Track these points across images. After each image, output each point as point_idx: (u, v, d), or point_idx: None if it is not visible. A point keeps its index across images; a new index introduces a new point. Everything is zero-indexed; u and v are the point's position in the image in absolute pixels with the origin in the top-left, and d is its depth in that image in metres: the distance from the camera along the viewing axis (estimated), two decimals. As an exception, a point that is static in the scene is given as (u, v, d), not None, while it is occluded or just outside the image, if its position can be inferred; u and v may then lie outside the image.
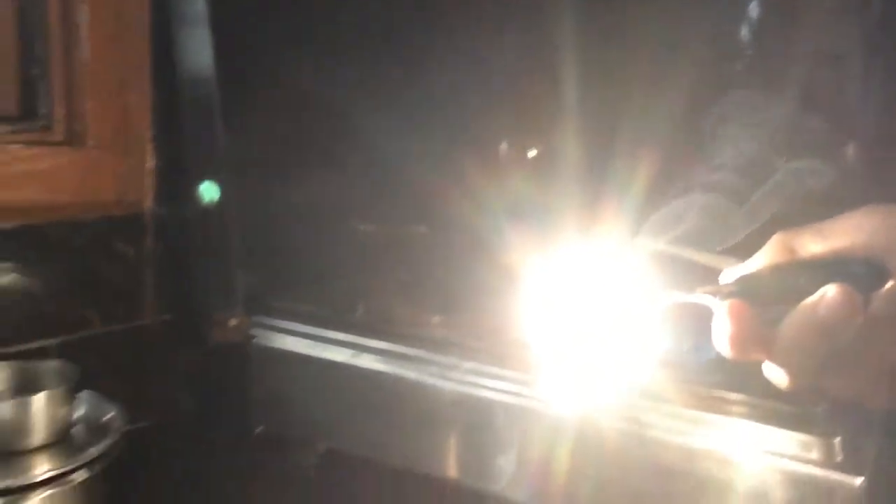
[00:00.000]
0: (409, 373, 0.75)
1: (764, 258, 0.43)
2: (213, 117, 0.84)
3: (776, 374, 0.40)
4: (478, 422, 0.70)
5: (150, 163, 0.89)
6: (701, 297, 0.42)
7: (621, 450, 0.63)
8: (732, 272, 0.43)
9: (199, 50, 0.84)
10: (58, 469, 0.57)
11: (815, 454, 0.57)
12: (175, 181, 0.89)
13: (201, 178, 0.86)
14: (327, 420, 0.80)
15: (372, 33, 0.93)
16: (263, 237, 0.88)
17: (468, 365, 0.71)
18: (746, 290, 0.41)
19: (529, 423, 0.67)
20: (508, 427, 0.68)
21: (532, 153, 1.00)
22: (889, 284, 0.38)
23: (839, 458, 0.57)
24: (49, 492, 0.56)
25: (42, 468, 0.57)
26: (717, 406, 0.62)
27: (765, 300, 0.40)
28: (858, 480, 0.56)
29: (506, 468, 0.69)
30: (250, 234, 0.87)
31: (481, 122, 1.00)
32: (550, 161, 0.97)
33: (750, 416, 0.60)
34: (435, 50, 0.99)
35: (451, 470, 0.72)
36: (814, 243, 0.41)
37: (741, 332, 0.39)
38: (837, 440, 0.57)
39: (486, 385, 0.70)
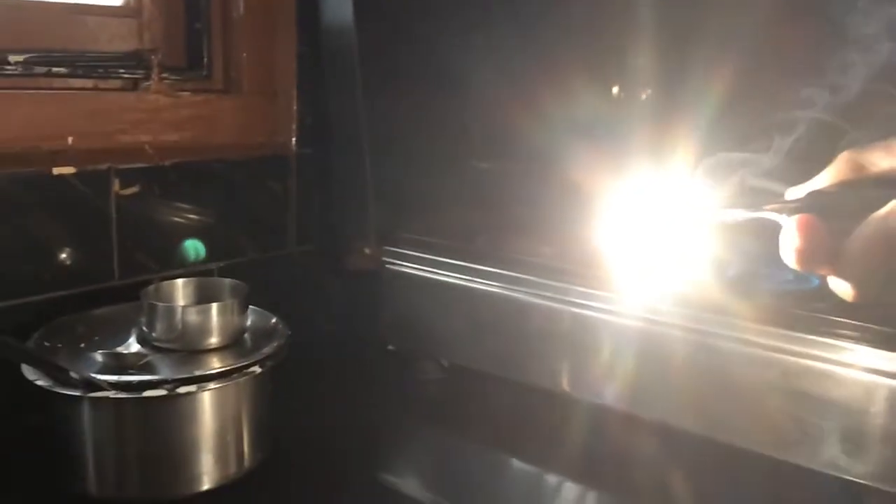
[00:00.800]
0: (522, 296, 0.82)
1: (832, 175, 0.43)
2: (352, 68, 0.93)
3: (843, 287, 0.40)
4: (584, 340, 0.77)
5: (295, 108, 1.00)
6: (768, 213, 0.42)
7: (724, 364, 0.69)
8: (800, 189, 0.44)
9: (340, 6, 0.92)
10: (234, 364, 0.68)
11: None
12: (317, 125, 0.99)
13: (341, 123, 0.96)
14: (450, 338, 0.89)
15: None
16: (394, 176, 0.96)
17: (578, 289, 0.78)
18: (815, 205, 0.41)
19: (627, 340, 0.74)
20: (608, 343, 0.76)
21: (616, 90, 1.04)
22: None
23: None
24: (227, 384, 0.67)
25: (222, 363, 0.68)
26: (822, 329, 0.66)
27: (833, 214, 0.40)
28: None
29: (609, 381, 0.76)
30: (383, 173, 0.96)
31: (576, 66, 1.04)
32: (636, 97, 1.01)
33: (853, 339, 0.64)
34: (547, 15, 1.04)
35: (563, 384, 0.80)
36: (883, 160, 0.41)
37: (809, 245, 0.39)
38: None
39: (592, 306, 0.77)
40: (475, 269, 0.87)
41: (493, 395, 0.87)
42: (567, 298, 0.79)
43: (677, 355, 0.71)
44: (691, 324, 0.70)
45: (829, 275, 0.40)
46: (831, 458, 0.65)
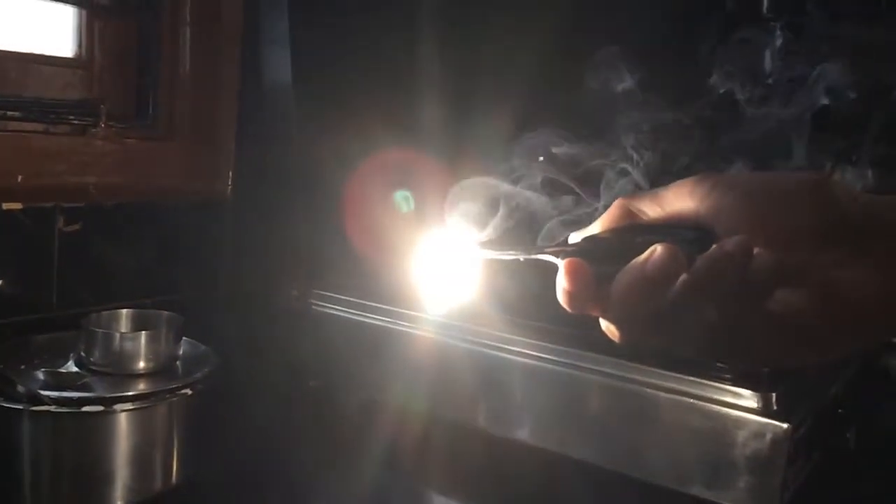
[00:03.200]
0: (437, 336, 0.91)
1: (606, 221, 0.45)
2: (288, 125, 1.02)
3: (610, 329, 0.42)
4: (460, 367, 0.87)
5: (233, 157, 1.08)
6: (547, 255, 0.43)
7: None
8: (578, 234, 0.45)
9: (281, 66, 1.02)
10: (167, 386, 0.74)
11: (756, 404, 0.73)
12: (253, 174, 1.07)
13: (276, 173, 1.04)
14: (367, 374, 0.96)
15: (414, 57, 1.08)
16: (324, 222, 1.04)
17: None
18: (586, 249, 0.43)
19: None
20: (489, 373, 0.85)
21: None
22: (712, 247, 0.39)
23: (774, 408, 0.72)
24: (160, 403, 0.73)
25: (154, 386, 0.75)
26: (684, 367, 0.77)
27: (603, 259, 0.42)
28: (786, 426, 0.71)
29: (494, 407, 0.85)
30: (313, 218, 1.04)
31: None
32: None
33: (709, 377, 0.75)
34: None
35: (477, 418, 0.88)
36: (651, 208, 0.43)
37: (576, 288, 0.41)
38: (774, 395, 0.73)
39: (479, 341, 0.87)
40: (392, 311, 0.95)
41: (409, 429, 0.94)
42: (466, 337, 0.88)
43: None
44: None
45: (597, 316, 0.42)
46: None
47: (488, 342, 0.87)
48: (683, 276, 0.39)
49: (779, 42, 0.98)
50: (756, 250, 0.39)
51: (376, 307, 0.97)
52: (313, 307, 1.02)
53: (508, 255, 0.46)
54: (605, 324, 0.42)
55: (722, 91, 0.80)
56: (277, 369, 1.05)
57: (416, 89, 0.97)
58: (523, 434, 0.87)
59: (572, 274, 0.41)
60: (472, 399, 0.90)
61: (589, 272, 0.41)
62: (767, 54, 0.98)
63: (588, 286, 0.41)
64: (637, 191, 0.47)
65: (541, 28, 1.05)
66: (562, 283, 0.41)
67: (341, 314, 1.00)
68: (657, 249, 0.39)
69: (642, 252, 0.40)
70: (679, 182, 0.43)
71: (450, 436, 0.90)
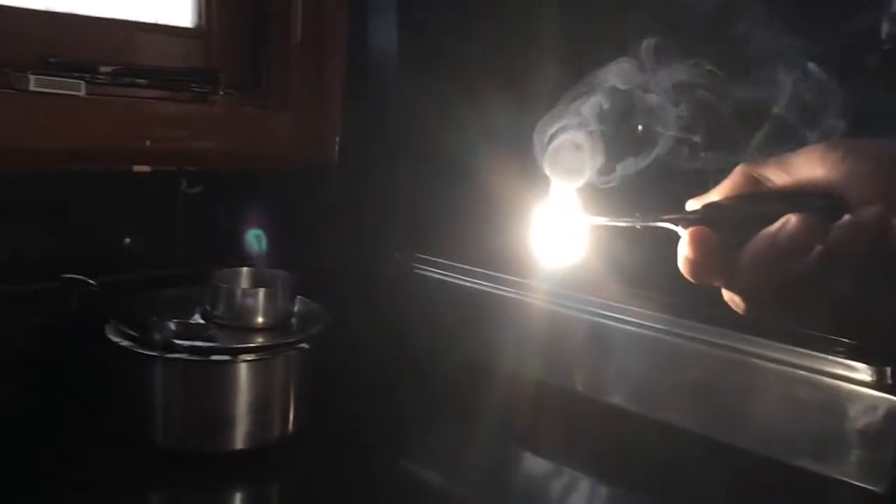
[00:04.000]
0: (533, 300, 0.93)
1: (728, 188, 0.43)
2: (394, 90, 1.04)
3: (735, 300, 0.41)
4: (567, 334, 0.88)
5: (341, 124, 1.11)
6: (666, 223, 0.42)
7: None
8: (696, 201, 0.43)
9: (386, 34, 1.04)
10: (285, 339, 0.78)
11: (869, 378, 0.72)
12: (361, 140, 1.10)
13: (381, 140, 1.07)
14: (468, 338, 0.99)
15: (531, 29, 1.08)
16: (428, 188, 1.06)
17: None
18: (710, 217, 0.41)
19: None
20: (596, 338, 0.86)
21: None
22: (846, 217, 0.37)
23: (889, 382, 0.71)
24: (280, 355, 0.77)
25: (272, 339, 0.79)
26: (797, 340, 0.76)
27: (728, 227, 0.40)
28: (901, 399, 0.70)
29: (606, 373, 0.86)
30: (416, 189, 1.06)
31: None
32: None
33: (822, 349, 0.74)
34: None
35: (575, 382, 0.90)
36: (777, 175, 0.41)
37: (702, 258, 0.40)
38: (889, 369, 0.71)
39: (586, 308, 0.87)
40: (494, 276, 0.97)
41: (508, 391, 0.96)
42: (574, 305, 0.89)
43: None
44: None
45: (722, 287, 0.41)
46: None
47: (594, 309, 0.88)
48: (817, 248, 0.37)
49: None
50: (894, 221, 0.37)
51: (478, 272, 1.00)
52: (416, 271, 1.05)
53: (624, 222, 0.44)
54: (728, 294, 0.41)
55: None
56: (382, 330, 1.08)
57: (526, 50, 0.97)
58: (616, 398, 0.88)
59: (697, 242, 0.40)
60: (575, 365, 0.91)
61: (715, 240, 0.40)
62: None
63: (713, 255, 0.40)
64: (761, 156, 0.43)
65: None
66: (685, 252, 0.40)
67: (444, 278, 1.03)
68: (790, 219, 0.38)
69: (770, 221, 0.38)
70: (807, 148, 0.41)
71: (551, 400, 0.92)
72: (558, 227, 0.47)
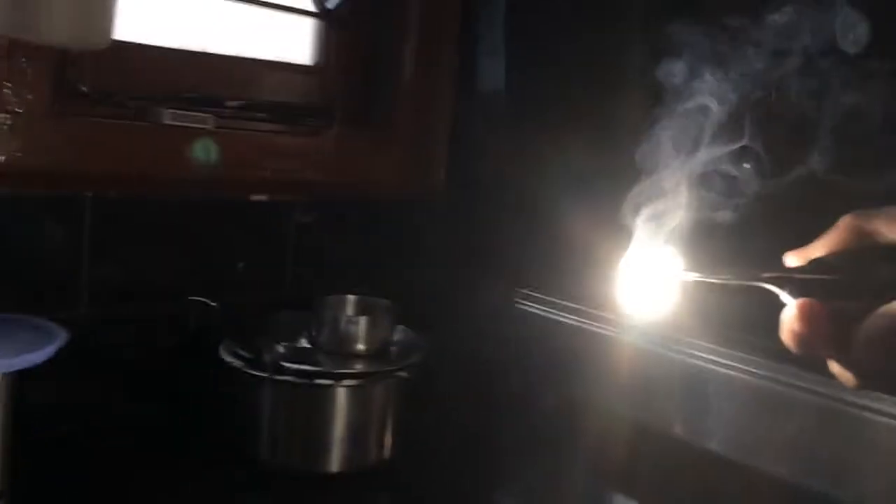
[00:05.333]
0: (627, 339, 0.92)
1: (832, 241, 0.39)
2: (500, 131, 1.07)
3: (846, 376, 0.37)
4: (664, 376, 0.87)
5: (447, 160, 1.14)
6: (768, 285, 0.39)
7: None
8: (796, 255, 0.40)
9: (495, 75, 1.07)
10: (386, 367, 0.81)
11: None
12: (466, 177, 1.13)
13: (486, 177, 1.09)
14: (564, 373, 0.99)
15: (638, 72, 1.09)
16: (528, 230, 1.08)
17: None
18: (815, 281, 0.38)
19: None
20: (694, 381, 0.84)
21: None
22: None
23: None
24: (380, 382, 0.80)
25: (373, 367, 0.82)
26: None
27: (836, 292, 0.37)
28: None
29: (714, 425, 0.85)
30: (518, 226, 1.08)
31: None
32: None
33: None
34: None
35: (674, 426, 0.89)
36: (889, 229, 0.38)
37: (811, 333, 0.37)
38: None
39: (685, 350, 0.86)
40: (591, 313, 0.97)
41: (603, 430, 0.96)
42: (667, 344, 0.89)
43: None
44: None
45: (830, 360, 0.38)
46: None
47: (692, 352, 0.87)
48: None
49: None
50: None
51: (577, 308, 1.00)
52: (517, 304, 1.06)
53: (718, 279, 0.42)
54: (838, 369, 0.37)
55: None
56: (480, 362, 1.10)
57: (631, 99, 0.98)
58: (718, 445, 0.86)
59: (807, 317, 0.37)
60: (671, 407, 0.90)
61: (825, 314, 0.37)
62: None
63: (824, 330, 0.37)
64: (868, 208, 0.39)
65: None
66: (791, 325, 0.37)
67: (543, 313, 1.03)
68: None
69: (887, 289, 0.35)
70: None
71: (646, 441, 0.91)
72: (651, 280, 0.45)
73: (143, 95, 0.92)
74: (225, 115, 0.97)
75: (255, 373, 0.76)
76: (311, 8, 1.11)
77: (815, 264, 0.39)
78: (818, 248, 0.40)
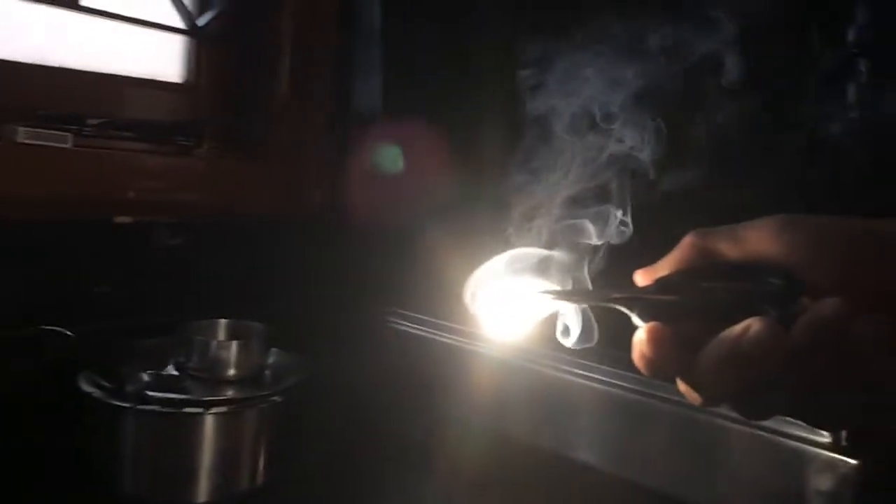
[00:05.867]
0: (498, 356, 0.94)
1: (676, 260, 0.41)
2: (375, 149, 1.07)
3: (692, 394, 0.39)
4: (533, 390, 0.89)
5: (323, 181, 1.14)
6: (618, 305, 0.41)
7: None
8: (644, 273, 0.42)
9: (370, 97, 1.07)
10: (258, 393, 0.79)
11: (826, 439, 0.74)
12: (341, 196, 1.12)
13: (360, 198, 1.09)
14: (436, 388, 1.00)
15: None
16: (402, 251, 1.09)
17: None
18: (662, 302, 0.40)
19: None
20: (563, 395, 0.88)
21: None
22: (809, 311, 0.36)
23: (843, 444, 0.73)
24: (252, 408, 0.78)
25: (244, 392, 0.80)
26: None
27: (682, 314, 0.39)
28: (856, 462, 0.72)
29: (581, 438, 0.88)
30: (393, 247, 1.09)
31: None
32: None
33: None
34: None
35: (526, 430, 0.91)
36: (728, 248, 0.40)
37: (659, 356, 0.38)
38: (844, 432, 0.73)
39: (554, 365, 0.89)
40: (461, 330, 0.98)
41: (476, 445, 0.97)
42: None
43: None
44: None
45: (678, 380, 0.39)
46: None
47: (561, 366, 0.90)
48: (780, 351, 0.36)
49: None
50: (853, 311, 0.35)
51: (449, 326, 1.01)
52: (390, 324, 1.07)
53: (574, 301, 0.43)
54: (684, 387, 0.39)
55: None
56: (356, 383, 1.09)
57: (509, 120, 1.01)
58: (586, 456, 0.89)
59: (654, 341, 0.39)
60: (534, 418, 0.92)
61: (672, 339, 0.39)
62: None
63: (671, 353, 0.38)
64: (711, 226, 0.41)
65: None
66: (641, 349, 0.39)
67: (416, 332, 1.04)
68: (753, 326, 0.36)
69: (727, 307, 0.37)
70: (762, 221, 0.39)
71: (518, 455, 0.93)
72: (510, 303, 0.46)
73: (-6, 112, 0.87)
74: (86, 133, 0.93)
75: (117, 403, 0.73)
76: (181, 25, 1.08)
77: (660, 284, 0.41)
78: (664, 267, 0.41)
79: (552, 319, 0.47)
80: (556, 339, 0.45)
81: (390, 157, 1.05)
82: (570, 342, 0.45)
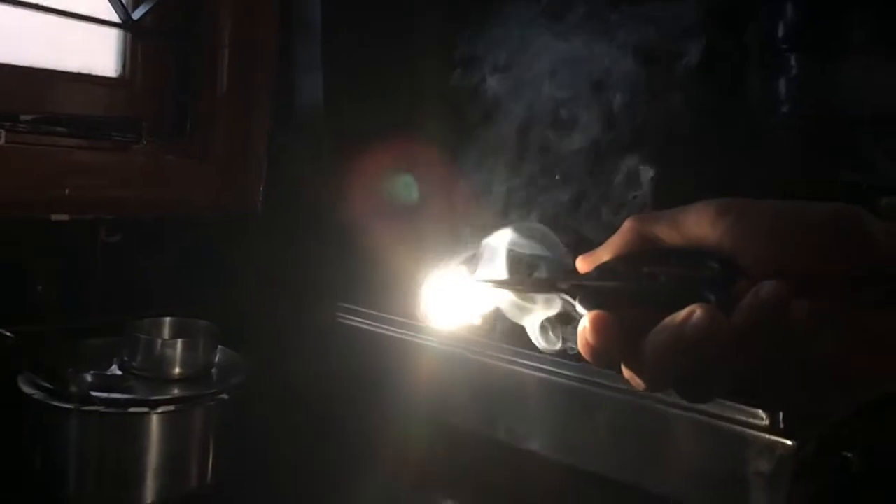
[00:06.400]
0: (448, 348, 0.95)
1: (617, 245, 0.41)
2: (319, 146, 1.07)
3: (635, 380, 0.40)
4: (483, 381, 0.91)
5: (265, 176, 1.13)
6: (563, 295, 0.41)
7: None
8: (585, 259, 0.42)
9: (312, 90, 1.07)
10: (205, 391, 0.78)
11: (764, 422, 0.77)
12: (285, 193, 1.12)
13: (305, 193, 1.09)
14: (388, 383, 1.00)
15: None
16: (348, 246, 1.08)
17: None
18: (604, 288, 0.40)
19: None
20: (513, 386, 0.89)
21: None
22: (748, 295, 0.36)
23: (781, 426, 0.76)
24: (198, 406, 0.77)
25: (191, 391, 0.79)
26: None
27: (625, 300, 0.39)
28: (791, 443, 0.75)
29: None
30: (339, 242, 1.08)
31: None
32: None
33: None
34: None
35: (476, 421, 0.92)
36: (667, 233, 0.40)
37: (603, 345, 0.39)
38: (781, 414, 0.76)
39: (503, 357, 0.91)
40: (411, 324, 0.99)
41: (428, 440, 0.97)
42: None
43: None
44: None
45: (622, 367, 0.40)
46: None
47: (500, 355, 0.91)
48: (721, 336, 0.36)
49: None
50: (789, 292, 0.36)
51: (399, 321, 1.01)
52: (339, 320, 1.07)
53: (517, 289, 0.43)
54: (629, 374, 0.40)
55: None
56: (304, 380, 1.09)
57: (448, 113, 1.02)
58: (534, 444, 0.90)
59: (599, 330, 0.39)
60: (484, 409, 0.94)
61: (617, 328, 0.39)
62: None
63: (615, 342, 0.39)
64: (649, 212, 0.42)
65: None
66: (585, 337, 0.39)
67: (366, 327, 1.04)
68: (696, 312, 0.36)
69: (668, 292, 0.38)
70: (699, 206, 0.40)
71: (461, 443, 0.94)
72: (454, 290, 0.45)
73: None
74: (20, 129, 0.90)
75: (59, 404, 0.71)
76: (116, 18, 1.05)
77: (601, 270, 0.41)
78: (604, 253, 0.42)
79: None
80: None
81: (333, 152, 1.05)
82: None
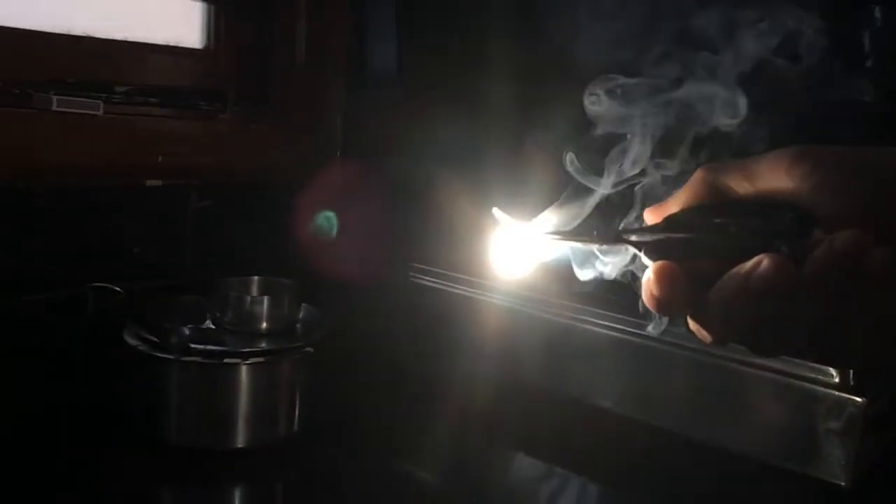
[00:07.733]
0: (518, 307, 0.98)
1: (686, 197, 0.40)
2: (391, 113, 1.10)
3: (702, 332, 0.39)
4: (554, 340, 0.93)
5: (341, 142, 1.17)
6: (628, 245, 0.41)
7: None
8: (654, 211, 0.41)
9: (386, 59, 1.10)
10: (291, 345, 0.84)
11: (835, 379, 0.77)
12: (361, 157, 1.15)
13: (379, 161, 1.12)
14: (458, 341, 1.04)
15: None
16: (421, 207, 1.12)
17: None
18: (671, 239, 0.39)
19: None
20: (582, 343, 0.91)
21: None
22: (822, 245, 0.35)
23: (851, 383, 0.77)
24: (286, 358, 0.83)
25: (278, 344, 0.84)
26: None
27: (691, 251, 0.39)
28: (861, 400, 0.76)
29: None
30: (412, 204, 1.12)
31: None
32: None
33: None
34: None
35: (538, 375, 0.96)
36: (738, 183, 0.39)
37: (668, 296, 0.38)
38: (851, 371, 0.77)
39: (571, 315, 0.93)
40: (480, 282, 1.02)
41: (499, 396, 1.01)
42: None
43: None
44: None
45: (688, 318, 0.39)
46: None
47: (578, 316, 0.94)
48: (792, 288, 0.35)
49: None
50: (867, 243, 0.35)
51: (470, 280, 1.04)
52: (412, 279, 1.10)
53: (583, 242, 0.43)
54: (695, 325, 0.39)
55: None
56: (381, 336, 1.13)
57: (522, 81, 1.03)
58: (606, 402, 0.93)
59: (663, 280, 0.38)
60: (550, 365, 0.96)
61: (682, 277, 0.38)
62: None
63: (680, 292, 0.38)
64: (721, 161, 0.40)
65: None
66: (650, 289, 0.39)
67: (437, 286, 1.08)
68: (763, 262, 0.35)
69: (738, 248, 0.37)
70: (773, 154, 0.38)
71: (541, 403, 0.97)
72: (521, 245, 0.45)
73: (27, 82, 0.90)
74: (114, 100, 0.96)
75: (162, 355, 0.77)
76: (199, -9, 1.10)
77: (669, 221, 0.40)
78: (674, 204, 0.41)
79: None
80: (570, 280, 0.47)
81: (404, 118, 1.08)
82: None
